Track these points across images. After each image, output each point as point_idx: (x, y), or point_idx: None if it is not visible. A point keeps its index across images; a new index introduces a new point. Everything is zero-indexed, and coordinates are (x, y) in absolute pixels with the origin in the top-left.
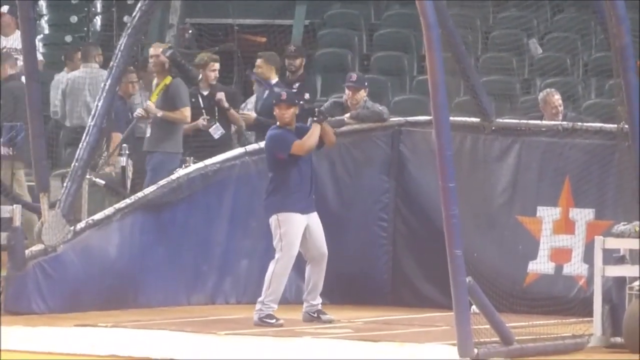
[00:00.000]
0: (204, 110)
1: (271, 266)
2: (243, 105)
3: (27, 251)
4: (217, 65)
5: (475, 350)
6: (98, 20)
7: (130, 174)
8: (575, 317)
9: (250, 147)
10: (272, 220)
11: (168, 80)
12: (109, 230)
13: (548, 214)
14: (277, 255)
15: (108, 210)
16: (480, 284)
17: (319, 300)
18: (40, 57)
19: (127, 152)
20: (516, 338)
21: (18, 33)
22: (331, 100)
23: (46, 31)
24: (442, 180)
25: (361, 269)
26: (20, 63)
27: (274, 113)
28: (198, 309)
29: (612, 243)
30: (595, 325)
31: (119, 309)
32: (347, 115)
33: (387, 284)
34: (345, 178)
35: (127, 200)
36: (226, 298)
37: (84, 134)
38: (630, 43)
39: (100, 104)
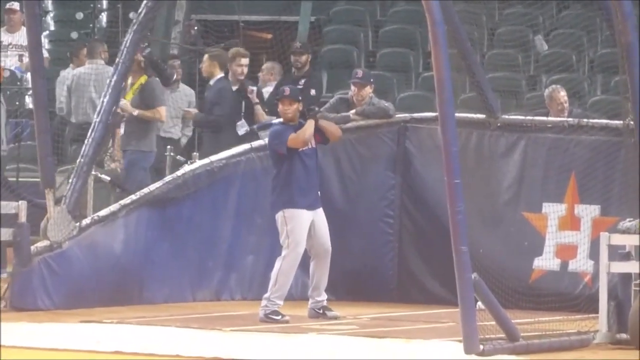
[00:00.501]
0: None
1: (278, 263)
2: None
3: (32, 247)
4: (244, 60)
5: (481, 347)
6: (104, 17)
7: None
8: (580, 313)
9: (255, 143)
10: (278, 216)
11: (144, 79)
12: (115, 227)
13: (554, 211)
14: (283, 252)
15: (113, 207)
16: (485, 280)
17: (324, 296)
18: (45, 53)
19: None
20: (522, 334)
21: (23, 30)
22: (337, 96)
23: (52, 27)
24: (447, 177)
25: (367, 265)
26: (26, 59)
27: (278, 109)
28: (203, 305)
29: (617, 239)
30: (600, 322)
31: (124, 305)
32: (353, 111)
33: (392, 280)
34: (350, 174)
35: (133, 197)
36: (231, 294)
37: (90, 130)
38: (636, 40)
39: (105, 100)
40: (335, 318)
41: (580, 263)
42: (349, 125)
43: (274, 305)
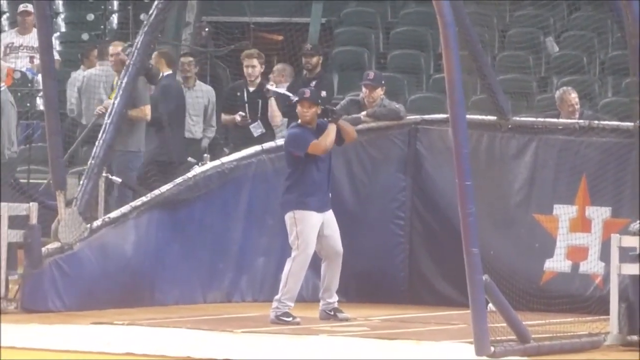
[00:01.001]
0: (247, 105)
1: (288, 264)
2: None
3: (43, 249)
4: (251, 61)
5: (492, 348)
6: (114, 18)
7: None
8: (591, 315)
9: (266, 145)
10: (288, 217)
11: None
12: (126, 228)
13: (564, 212)
14: (293, 254)
15: (124, 208)
16: (496, 282)
17: (335, 298)
18: (56, 55)
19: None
20: (533, 336)
21: (35, 31)
22: (348, 98)
23: (63, 29)
24: (458, 179)
25: (378, 267)
26: (37, 61)
27: (296, 110)
28: (214, 306)
29: (628, 241)
30: (611, 324)
31: (135, 307)
32: (364, 113)
33: (403, 282)
34: (361, 176)
35: (144, 198)
36: (242, 296)
37: (101, 132)
38: None
39: (116, 102)
40: (346, 320)
41: (591, 265)
42: (360, 127)
43: (285, 307)
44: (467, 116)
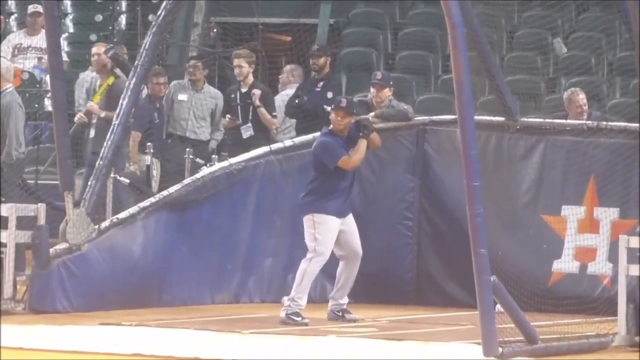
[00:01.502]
0: (239, 107)
1: (303, 264)
2: None
3: (51, 250)
4: (240, 62)
5: (500, 349)
6: (123, 19)
7: (155, 172)
8: (599, 316)
9: (275, 146)
10: (307, 219)
11: (111, 80)
12: (134, 229)
13: (572, 213)
14: (309, 255)
15: (132, 209)
16: (504, 283)
17: (345, 300)
18: (64, 56)
19: (151, 150)
20: (540, 337)
21: (43, 32)
22: (356, 99)
23: (71, 30)
24: (466, 179)
25: (386, 268)
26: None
27: (330, 117)
28: (222, 307)
29: (636, 242)
30: (619, 324)
31: (143, 308)
32: (372, 114)
33: (411, 283)
34: (369, 177)
35: (152, 199)
36: (250, 297)
37: (109, 133)
38: None
39: (124, 103)
40: (354, 321)
41: (599, 266)
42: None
43: (297, 306)
44: (475, 117)
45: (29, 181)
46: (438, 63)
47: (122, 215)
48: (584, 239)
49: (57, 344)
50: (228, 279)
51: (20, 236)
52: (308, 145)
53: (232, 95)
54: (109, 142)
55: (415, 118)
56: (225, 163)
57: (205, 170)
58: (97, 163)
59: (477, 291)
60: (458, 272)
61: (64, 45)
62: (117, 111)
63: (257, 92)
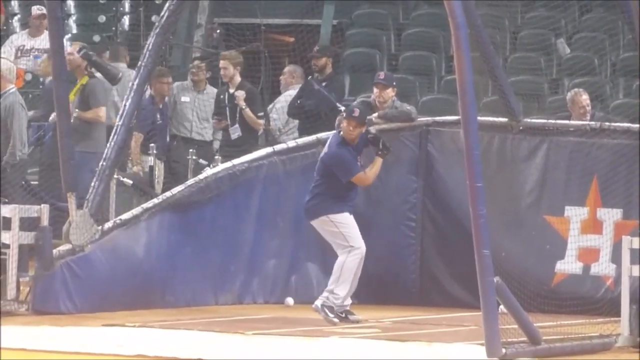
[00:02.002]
0: (227, 109)
1: (341, 257)
2: (271, 105)
3: (54, 251)
4: (224, 63)
5: (503, 350)
6: (126, 20)
7: (158, 173)
8: (602, 317)
9: (278, 147)
10: (322, 221)
11: (84, 80)
12: (137, 230)
13: (576, 214)
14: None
15: (136, 210)
16: (508, 283)
17: (349, 300)
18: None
19: (154, 151)
20: (544, 338)
21: (46, 33)
22: (359, 99)
23: (74, 31)
24: (470, 180)
25: (389, 269)
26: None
27: (342, 125)
28: (225, 308)
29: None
30: (622, 325)
31: (147, 309)
32: (375, 114)
33: (414, 284)
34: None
35: (155, 200)
36: (254, 298)
37: (112, 134)
38: None
39: (127, 104)
40: (357, 322)
41: (603, 267)
42: (371, 128)
43: (336, 299)
44: (479, 118)
45: (32, 182)
46: (441, 64)
47: (126, 216)
48: (587, 239)
49: (60, 345)
50: (231, 280)
51: (23, 237)
52: (311, 146)
53: (222, 96)
54: (112, 143)
55: (419, 119)
56: (228, 164)
57: (208, 172)
58: (100, 164)
59: (481, 292)
60: (461, 272)
61: (67, 46)
62: (120, 112)
63: (239, 93)
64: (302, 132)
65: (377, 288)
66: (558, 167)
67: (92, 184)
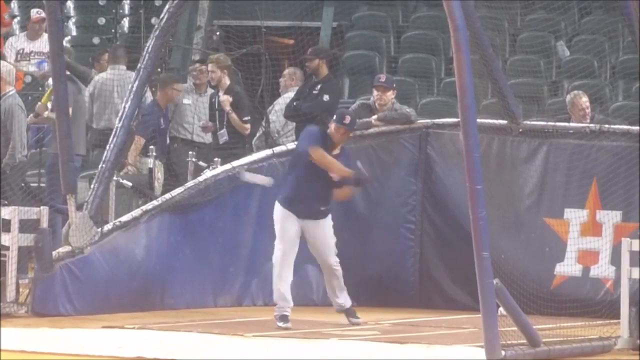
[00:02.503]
0: (217, 112)
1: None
2: (270, 107)
3: (54, 253)
4: (212, 67)
5: (503, 352)
6: (126, 22)
7: (159, 176)
8: (602, 319)
9: (277, 149)
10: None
11: None
12: (136, 232)
13: (575, 216)
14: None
15: (135, 212)
16: (507, 286)
17: (349, 302)
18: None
19: (154, 153)
20: (543, 340)
21: (44, 36)
22: (359, 102)
23: (74, 33)
24: (469, 182)
25: (388, 271)
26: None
27: (330, 127)
28: (225, 310)
29: (639, 245)
30: (622, 328)
31: (146, 311)
32: (375, 117)
33: (414, 286)
34: (372, 180)
35: (155, 202)
36: (253, 300)
37: (112, 136)
38: None
39: (127, 106)
40: (358, 324)
41: (602, 269)
42: (371, 130)
43: (279, 310)
44: (478, 120)
45: (31, 184)
46: (441, 66)
47: (125, 218)
48: (586, 242)
49: (60, 347)
50: (231, 281)
51: (23, 239)
52: None
53: (213, 100)
54: (112, 145)
55: (418, 121)
56: (228, 166)
57: (208, 174)
58: (99, 166)
59: (480, 294)
60: (461, 275)
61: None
62: (120, 114)
63: (224, 98)
64: (298, 134)
65: (376, 290)
66: (558, 170)
67: (92, 185)
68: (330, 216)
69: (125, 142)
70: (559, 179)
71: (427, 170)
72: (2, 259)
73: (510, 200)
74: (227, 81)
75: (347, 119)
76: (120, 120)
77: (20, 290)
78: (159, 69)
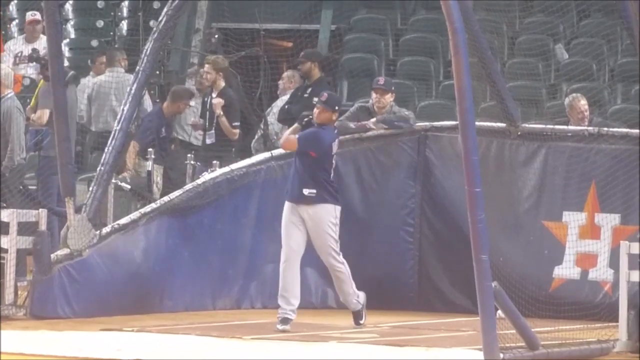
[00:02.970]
0: (207, 114)
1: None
2: (268, 109)
3: (52, 255)
4: (207, 68)
5: (501, 355)
6: (124, 25)
7: (158, 180)
8: (600, 322)
9: (276, 152)
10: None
11: (41, 83)
12: (135, 235)
13: (574, 219)
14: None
15: (134, 215)
16: (506, 288)
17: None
18: (66, 61)
19: (152, 156)
20: (542, 343)
21: (42, 39)
22: (357, 104)
23: (72, 35)
24: (468, 185)
25: (387, 274)
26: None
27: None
28: (223, 313)
29: (637, 248)
30: (620, 331)
31: (145, 314)
32: (373, 120)
33: (413, 289)
34: (371, 183)
35: (153, 205)
36: (252, 302)
37: (110, 138)
38: None
39: (126, 109)
40: (358, 325)
41: (601, 272)
42: (370, 133)
43: (282, 312)
44: (477, 123)
45: (30, 187)
46: (439, 69)
47: (124, 220)
48: (585, 245)
49: (58, 350)
50: (229, 284)
51: (21, 242)
52: None
53: (205, 99)
54: (110, 148)
55: (417, 124)
56: (226, 169)
57: (206, 176)
58: (98, 169)
59: (479, 297)
60: (459, 277)
61: (65, 50)
62: (118, 117)
63: (216, 100)
64: None
65: (375, 292)
66: (556, 172)
67: (90, 188)
68: (328, 216)
69: (123, 144)
70: (557, 182)
71: (426, 172)
72: (1, 261)
73: (509, 203)
74: (221, 84)
75: (324, 96)
76: (118, 123)
77: (19, 292)
78: (157, 72)
